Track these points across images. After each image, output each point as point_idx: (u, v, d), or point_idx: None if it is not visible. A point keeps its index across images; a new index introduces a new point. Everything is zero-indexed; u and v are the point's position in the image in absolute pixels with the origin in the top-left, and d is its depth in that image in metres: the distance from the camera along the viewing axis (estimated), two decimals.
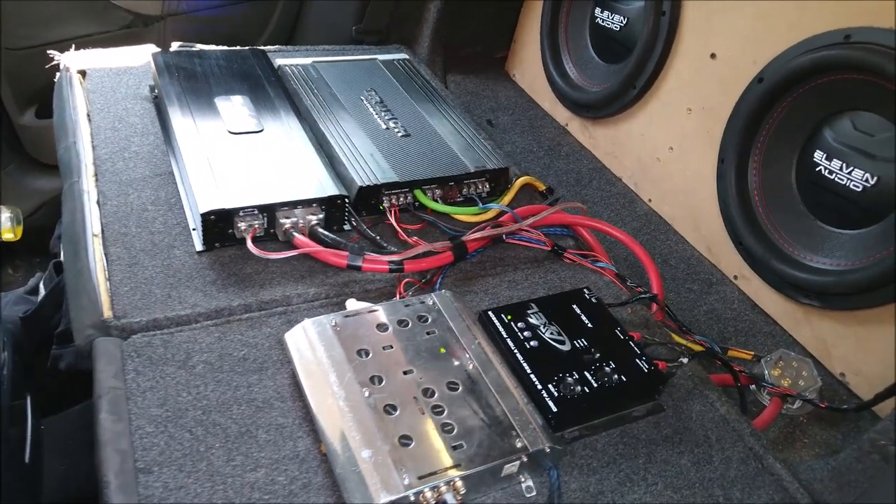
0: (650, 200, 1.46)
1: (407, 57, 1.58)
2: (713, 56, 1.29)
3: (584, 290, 1.01)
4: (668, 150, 1.40)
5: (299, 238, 1.00)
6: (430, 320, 0.88)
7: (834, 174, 1.08)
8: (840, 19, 1.06)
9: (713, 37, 1.29)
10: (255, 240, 0.99)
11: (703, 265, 1.31)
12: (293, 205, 1.02)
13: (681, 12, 1.36)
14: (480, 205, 1.19)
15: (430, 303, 0.91)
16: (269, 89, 1.32)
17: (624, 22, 1.53)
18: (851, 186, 1.05)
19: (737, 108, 1.21)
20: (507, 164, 1.24)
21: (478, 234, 1.09)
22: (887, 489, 0.60)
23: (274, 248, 0.99)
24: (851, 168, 1.06)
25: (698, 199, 1.32)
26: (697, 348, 1.06)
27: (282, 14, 1.88)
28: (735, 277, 1.26)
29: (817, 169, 1.10)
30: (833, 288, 1.04)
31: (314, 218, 1.04)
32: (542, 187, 1.31)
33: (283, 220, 1.01)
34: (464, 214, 1.18)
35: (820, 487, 0.82)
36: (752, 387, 1.06)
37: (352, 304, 0.90)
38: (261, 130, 1.17)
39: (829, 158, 1.09)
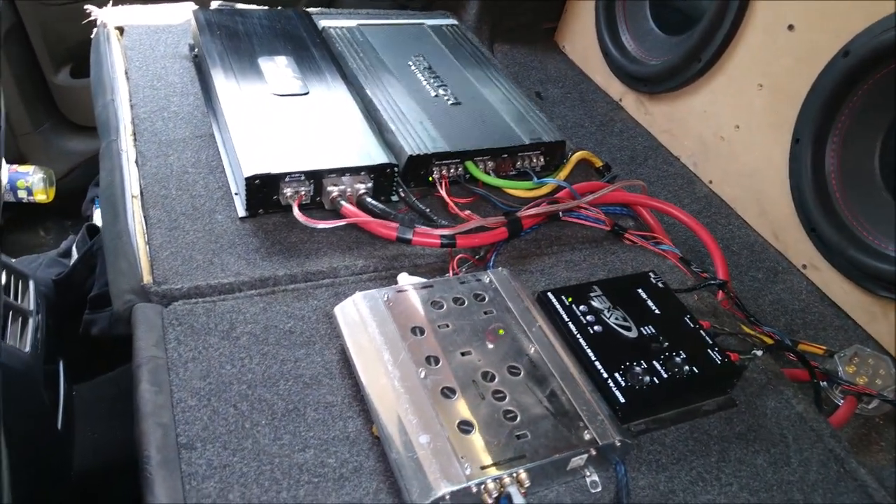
0: (711, 182, 1.38)
1: (455, 23, 1.50)
2: (791, 28, 1.20)
3: (650, 273, 0.94)
4: (735, 129, 1.32)
5: (347, 207, 0.95)
6: (486, 299, 0.82)
7: None
8: None
9: (791, 6, 1.20)
10: (300, 207, 0.94)
11: (768, 252, 1.23)
12: (341, 172, 0.96)
13: None
14: (535, 179, 1.12)
15: (487, 280, 0.85)
16: (314, 51, 1.26)
17: None
18: None
19: (816, 84, 1.12)
20: (563, 138, 1.17)
21: (534, 210, 1.02)
22: None
23: (320, 217, 0.94)
24: None
25: (766, 182, 1.24)
26: (767, 340, 0.99)
27: None
28: (804, 267, 1.18)
29: None
30: None
31: (362, 187, 0.98)
32: (598, 164, 1.24)
33: (330, 188, 0.96)
34: (518, 189, 1.11)
35: None
36: (824, 384, 0.99)
37: (404, 279, 0.84)
38: (306, 93, 1.12)
39: None
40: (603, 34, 1.63)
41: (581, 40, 1.75)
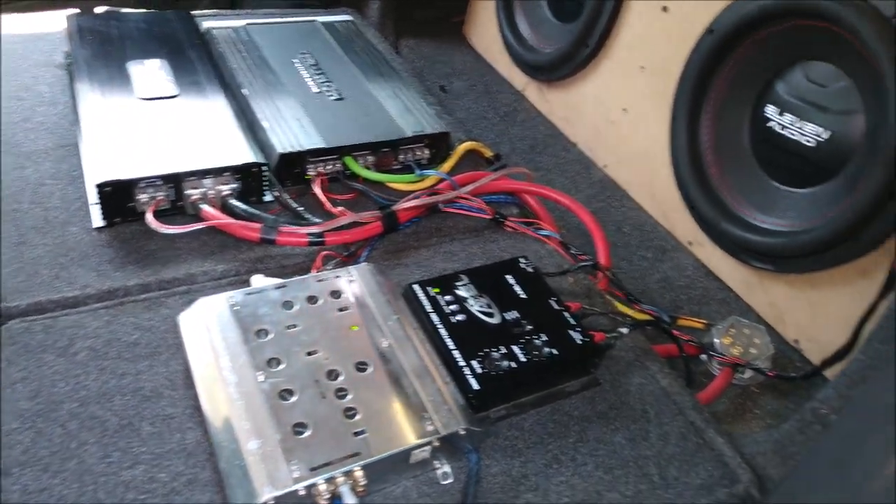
0: (606, 166, 1.39)
1: (350, 19, 1.49)
2: (665, 9, 1.21)
3: (521, 259, 0.94)
4: (622, 112, 1.33)
5: (206, 210, 0.92)
6: (343, 296, 0.80)
7: (786, 129, 1.01)
8: None
9: None
10: (159, 214, 0.91)
11: (657, 232, 1.24)
12: (202, 174, 0.94)
13: None
14: (417, 171, 1.11)
15: (347, 277, 0.83)
16: (191, 52, 1.23)
17: None
18: (804, 142, 0.99)
19: (688, 63, 1.13)
20: (447, 129, 1.16)
21: (411, 203, 1.02)
22: (822, 458, 0.54)
23: (183, 223, 0.91)
24: (804, 122, 0.99)
25: (654, 164, 1.25)
26: (645, 318, 1.00)
27: None
28: (689, 244, 1.19)
29: (769, 125, 1.03)
30: (785, 250, 0.97)
31: (227, 188, 0.96)
32: (488, 154, 1.23)
33: (190, 192, 0.94)
34: (399, 182, 1.10)
35: (763, 461, 0.76)
36: (704, 357, 1.00)
37: (257, 281, 0.82)
38: (175, 95, 1.09)
39: (781, 113, 1.02)
40: (503, 24, 1.63)
41: (486, 32, 1.75)
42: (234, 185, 0.96)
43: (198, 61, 1.20)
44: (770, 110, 1.03)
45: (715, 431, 0.78)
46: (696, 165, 1.12)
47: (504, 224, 1.07)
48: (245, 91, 1.15)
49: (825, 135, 0.96)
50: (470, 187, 1.07)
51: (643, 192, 1.30)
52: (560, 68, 1.47)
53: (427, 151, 1.15)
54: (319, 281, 0.82)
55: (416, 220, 1.04)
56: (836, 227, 0.90)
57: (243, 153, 0.98)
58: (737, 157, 1.08)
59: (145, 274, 0.85)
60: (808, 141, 0.98)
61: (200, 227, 0.90)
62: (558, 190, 1.17)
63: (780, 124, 1.02)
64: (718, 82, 1.09)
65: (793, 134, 1.00)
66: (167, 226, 0.89)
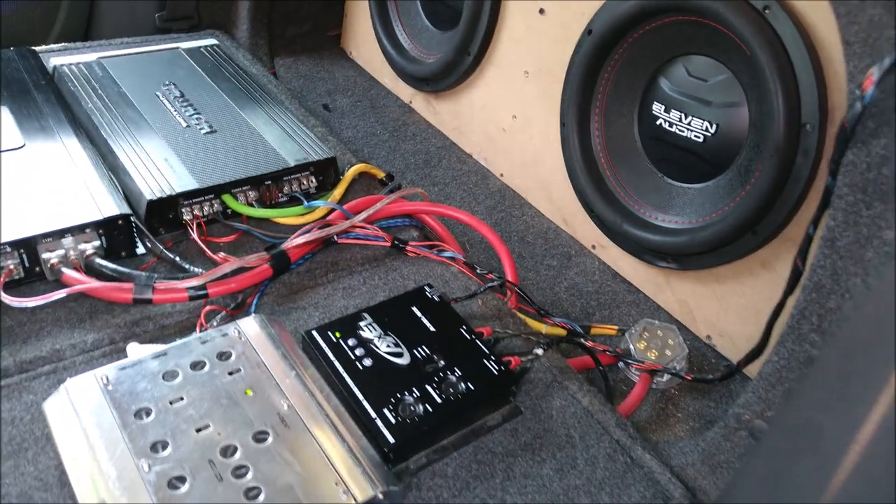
0: (502, 175, 1.36)
1: (216, 43, 1.39)
2: (542, 11, 1.20)
3: (426, 287, 0.89)
4: (512, 119, 1.30)
5: (68, 274, 0.82)
6: (233, 356, 0.72)
7: (674, 126, 1.01)
8: None
9: None
10: (12, 284, 0.80)
11: (560, 238, 1.22)
12: (59, 234, 0.83)
13: None
14: (306, 203, 1.04)
15: (235, 333, 0.75)
16: (37, 95, 1.10)
17: None
18: (692, 138, 0.99)
19: (570, 65, 1.12)
20: (333, 154, 1.10)
21: (301, 239, 0.94)
22: (756, 470, 0.52)
23: (42, 291, 0.80)
24: (690, 118, 0.99)
25: (548, 169, 1.23)
26: (558, 331, 0.98)
27: (71, 7, 1.62)
28: (593, 247, 1.18)
29: (658, 122, 1.03)
30: (686, 248, 0.97)
31: (90, 247, 0.85)
32: (380, 175, 1.17)
33: (47, 255, 0.82)
34: (287, 217, 1.02)
35: (693, 472, 0.75)
36: (621, 364, 0.98)
37: (133, 351, 0.73)
38: (21, 147, 0.97)
39: (667, 110, 1.02)
40: (380, 35, 1.57)
41: (365, 44, 1.69)
42: (98, 243, 0.86)
43: (46, 104, 1.08)
44: (657, 108, 1.03)
45: (642, 448, 0.75)
46: (591, 169, 1.11)
47: (405, 249, 1.01)
48: (103, 132, 1.04)
49: (711, 129, 0.97)
50: (364, 214, 1.01)
51: (541, 198, 1.28)
52: (445, 78, 1.43)
53: (314, 180, 1.08)
54: (203, 343, 0.73)
55: (310, 256, 0.97)
56: (733, 222, 0.90)
57: (105, 205, 0.88)
58: (630, 158, 1.08)
59: (2, 356, 0.73)
60: (697, 136, 0.98)
61: (63, 294, 0.79)
62: (456, 207, 1.14)
63: (667, 121, 1.02)
64: (603, 83, 1.08)
65: (681, 130, 1.00)
66: (21, 298, 0.77)
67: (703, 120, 0.98)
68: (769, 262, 0.91)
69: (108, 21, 1.66)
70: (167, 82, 1.21)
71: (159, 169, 0.98)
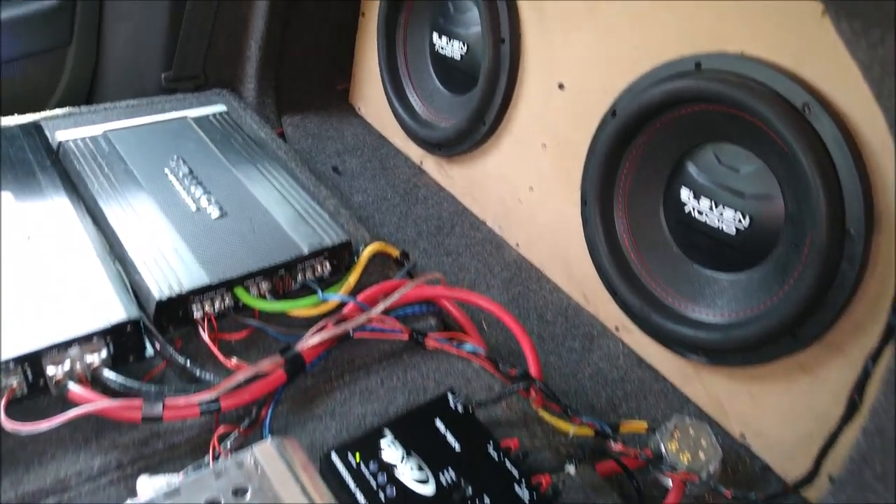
0: (518, 245, 1.32)
1: (224, 110, 1.35)
2: (561, 86, 1.16)
3: (449, 394, 0.85)
4: (529, 191, 1.27)
5: (75, 391, 0.77)
6: (249, 493, 0.68)
7: (704, 215, 0.97)
8: (689, 44, 0.95)
9: (559, 65, 1.16)
10: (13, 402, 0.75)
11: (581, 316, 1.18)
12: (63, 346, 0.79)
13: (522, 39, 1.22)
14: (321, 294, 1.00)
15: (250, 462, 0.71)
16: (42, 177, 1.07)
17: (464, 50, 1.39)
18: (724, 229, 0.95)
19: (593, 144, 1.09)
20: (347, 236, 1.05)
21: (316, 339, 0.90)
22: None
23: (46, 412, 0.75)
24: (721, 207, 0.95)
25: (567, 243, 1.19)
26: (586, 432, 0.93)
27: (75, 68, 1.59)
28: (616, 329, 1.14)
29: (686, 210, 0.99)
30: (719, 345, 0.93)
31: (97, 357, 0.81)
32: (395, 254, 1.13)
33: (52, 369, 0.78)
34: (301, 308, 0.98)
35: None
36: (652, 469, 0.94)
37: (144, 487, 0.68)
38: (24, 239, 0.93)
39: (696, 196, 0.98)
40: (391, 96, 1.54)
41: (375, 101, 1.66)
42: (106, 352, 0.81)
43: (50, 187, 1.04)
44: (685, 194, 1.00)
45: None
46: (615, 251, 1.07)
47: (424, 343, 0.97)
48: (110, 220, 1.00)
49: (745, 221, 0.93)
50: (381, 307, 0.97)
51: (560, 272, 1.24)
52: (458, 145, 1.40)
53: (329, 265, 1.04)
54: (218, 476, 0.69)
55: (325, 354, 0.93)
56: (771, 323, 0.86)
57: (113, 308, 0.84)
58: (657, 243, 1.04)
59: (3, 488, 0.69)
60: (729, 228, 0.95)
61: (69, 418, 0.74)
62: (472, 279, 1.10)
63: (697, 209, 0.98)
64: (627, 164, 1.05)
65: (712, 221, 0.96)
66: (26, 424, 0.73)
67: (736, 210, 0.94)
68: (809, 366, 0.87)
69: (113, 81, 1.63)
70: (175, 157, 1.17)
71: (168, 261, 0.94)
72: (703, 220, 0.97)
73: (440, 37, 1.44)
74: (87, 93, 1.65)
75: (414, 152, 1.56)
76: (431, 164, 1.52)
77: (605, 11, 1.07)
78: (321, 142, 1.64)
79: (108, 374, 0.80)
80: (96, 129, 1.22)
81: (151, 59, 1.60)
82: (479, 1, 1.26)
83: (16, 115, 1.32)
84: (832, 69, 0.81)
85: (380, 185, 1.52)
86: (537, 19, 1.19)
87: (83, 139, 1.19)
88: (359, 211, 1.43)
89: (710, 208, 0.96)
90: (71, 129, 1.22)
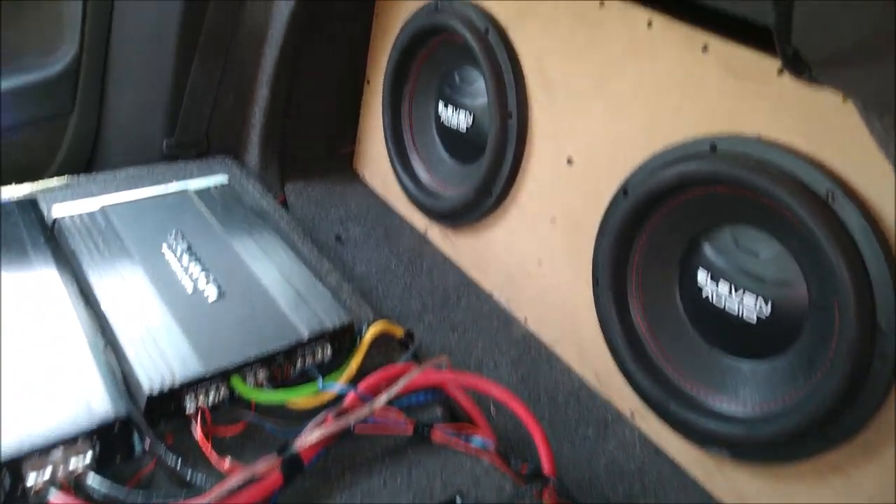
0: (526, 320, 1.28)
1: (225, 181, 1.33)
2: (570, 161, 1.14)
3: (457, 498, 0.79)
4: (538, 265, 1.23)
5: (57, 502, 0.72)
6: None
7: (723, 300, 0.93)
8: (702, 125, 0.93)
9: (567, 140, 1.14)
10: None
11: (595, 400, 1.13)
12: (44, 450, 0.74)
13: (529, 113, 1.20)
14: (321, 382, 0.95)
15: None
16: (35, 257, 1.03)
17: (471, 120, 1.37)
18: (744, 316, 0.91)
19: (604, 222, 1.05)
20: (349, 318, 1.01)
21: (316, 435, 0.85)
22: None
23: None
24: (740, 292, 0.91)
25: (578, 322, 1.15)
26: None
27: (76, 135, 1.58)
28: (632, 415, 1.08)
29: (704, 294, 0.95)
30: (743, 440, 0.88)
31: (80, 461, 0.75)
32: (399, 333, 1.09)
33: (32, 476, 0.73)
34: (299, 398, 0.93)
35: None
36: None
37: None
38: (11, 326, 0.88)
39: (714, 279, 0.94)
40: (395, 165, 1.52)
41: (380, 168, 1.64)
42: (92, 454, 0.76)
43: (43, 267, 1.01)
44: (702, 276, 0.96)
45: None
46: (629, 334, 1.02)
47: (430, 436, 0.92)
48: (102, 303, 0.96)
49: (767, 308, 0.89)
50: (385, 398, 0.92)
51: (572, 351, 1.19)
52: (464, 215, 1.37)
53: (329, 349, 1.00)
54: None
55: (324, 452, 0.87)
56: (799, 420, 0.81)
57: (102, 404, 0.79)
58: (674, 326, 1.00)
59: None
60: (749, 315, 0.90)
61: None
62: (478, 358, 1.06)
63: (715, 294, 0.94)
64: (640, 245, 1.01)
65: (731, 306, 0.92)
66: None
67: (756, 296, 0.90)
68: (842, 467, 0.81)
69: (114, 147, 1.61)
70: (175, 232, 1.14)
71: (161, 348, 0.90)
72: (722, 306, 0.93)
73: (446, 106, 1.43)
74: (87, 159, 1.63)
75: (419, 221, 1.53)
76: (437, 234, 1.49)
77: (614, 88, 1.05)
78: (324, 209, 1.61)
79: (93, 480, 0.75)
80: (94, 204, 1.19)
81: (154, 125, 1.59)
82: (485, 74, 1.24)
83: (13, 183, 1.30)
84: (855, 154, 0.78)
85: (384, 254, 1.48)
86: (545, 94, 1.17)
87: (80, 215, 1.16)
88: (362, 282, 1.39)
89: (730, 293, 0.92)
90: (68, 204, 1.19)
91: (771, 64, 0.85)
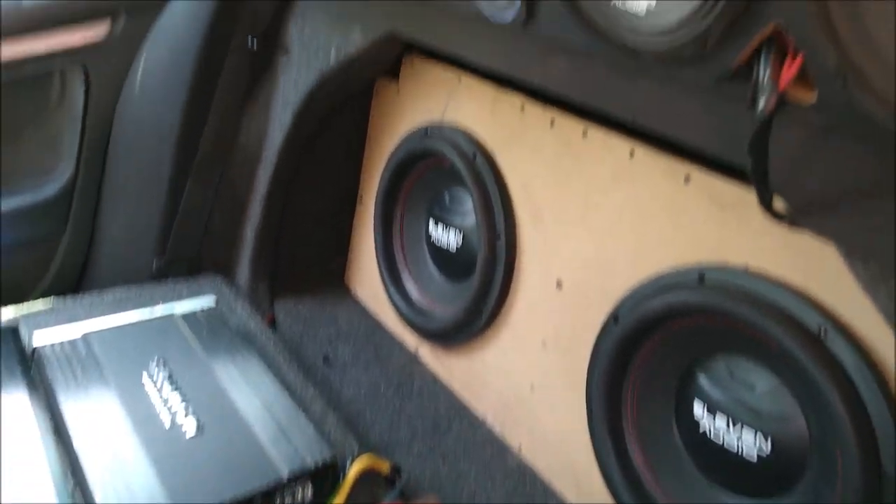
0: (521, 448, 1.23)
1: (213, 304, 1.32)
2: (559, 284, 1.13)
3: None
4: (530, 389, 1.20)
5: None
6: None
7: (721, 436, 0.89)
8: (690, 253, 0.92)
9: (556, 262, 1.14)
10: None
11: None
12: None
13: (517, 235, 1.21)
14: None
15: None
16: (10, 389, 1.00)
17: (461, 240, 1.37)
18: (743, 454, 0.87)
19: (596, 350, 1.03)
20: (332, 454, 0.97)
21: None
22: None
23: None
24: (738, 427, 0.88)
25: (573, 451, 1.10)
26: None
27: (66, 255, 1.58)
28: None
29: (702, 429, 0.92)
30: None
31: None
32: (385, 469, 1.04)
33: None
34: None
35: None
36: None
37: None
38: None
39: (711, 412, 0.91)
40: (386, 281, 1.51)
41: (370, 283, 1.63)
42: None
43: (19, 400, 0.98)
44: (699, 409, 0.92)
45: None
46: (626, 469, 0.98)
47: None
48: (74, 442, 0.92)
49: (766, 446, 0.85)
50: None
51: (568, 483, 1.13)
52: (455, 335, 1.35)
53: (310, 488, 0.95)
54: None
55: None
56: None
57: None
58: (672, 461, 0.95)
59: None
60: (749, 452, 0.86)
61: None
62: (471, 492, 1.00)
63: (713, 428, 0.90)
64: (633, 375, 0.98)
65: (730, 443, 0.88)
66: None
67: (755, 431, 0.86)
68: None
69: (104, 267, 1.61)
70: (157, 359, 1.11)
71: (132, 490, 0.85)
72: (721, 442, 0.89)
73: (436, 225, 1.44)
74: (76, 279, 1.63)
75: (409, 340, 1.51)
76: (427, 353, 1.46)
77: (601, 214, 1.06)
78: (313, 328, 1.59)
79: None
80: (76, 331, 1.17)
81: (145, 245, 1.59)
82: (473, 197, 1.26)
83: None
84: (846, 288, 0.76)
85: (373, 375, 1.45)
86: (532, 217, 1.18)
87: (61, 343, 1.13)
88: (349, 407, 1.35)
89: (728, 427, 0.89)
90: (49, 330, 1.17)
91: (754, 196, 0.86)
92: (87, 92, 1.46)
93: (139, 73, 1.46)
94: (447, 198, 1.43)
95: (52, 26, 1.37)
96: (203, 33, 1.41)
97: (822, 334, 0.76)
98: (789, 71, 0.59)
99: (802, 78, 0.59)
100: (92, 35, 1.42)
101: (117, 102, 1.50)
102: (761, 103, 0.60)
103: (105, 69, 1.46)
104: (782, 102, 0.59)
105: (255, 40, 1.47)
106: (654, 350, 0.97)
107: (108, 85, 1.48)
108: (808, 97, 0.59)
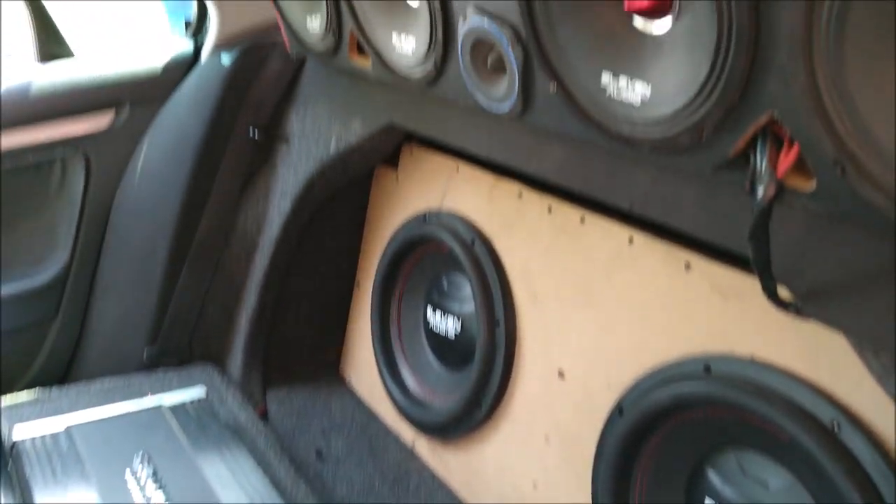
0: None
1: (203, 395, 1.28)
2: (561, 374, 1.10)
3: None
4: (533, 488, 1.14)
5: None
6: None
7: None
8: (695, 343, 0.90)
9: (558, 351, 1.11)
10: None
11: None
12: None
13: (517, 322, 1.18)
14: None
15: None
16: None
17: (459, 328, 1.35)
18: None
19: (601, 444, 0.99)
20: None
21: None
22: None
23: None
24: None
25: None
26: None
27: (56, 342, 1.55)
28: None
29: None
30: None
31: None
32: None
33: None
34: None
35: None
36: None
37: None
38: None
39: None
40: (382, 370, 1.47)
41: (366, 373, 1.59)
42: None
43: None
44: None
45: None
46: None
47: None
48: None
49: None
50: None
51: None
52: (453, 428, 1.30)
53: None
54: None
55: None
56: None
57: None
58: None
59: None
60: None
61: None
62: None
63: None
64: (641, 471, 0.94)
65: None
66: None
67: None
68: None
69: (94, 355, 1.57)
70: (141, 454, 1.07)
71: None
72: None
73: (434, 311, 1.41)
74: (65, 367, 1.59)
75: (406, 433, 1.45)
76: (424, 447, 1.40)
77: (602, 300, 1.04)
78: (306, 419, 1.53)
79: None
80: (59, 424, 1.13)
81: (137, 333, 1.56)
82: (472, 283, 1.24)
83: None
84: (857, 379, 0.74)
85: (367, 471, 1.39)
86: (532, 303, 1.16)
87: (42, 437, 1.09)
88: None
89: None
90: (31, 423, 1.13)
91: (757, 284, 0.84)
92: (87, 180, 1.47)
93: (140, 161, 1.48)
94: (445, 284, 1.42)
95: (56, 116, 1.39)
96: (206, 123, 1.44)
97: (836, 428, 0.73)
98: (787, 159, 0.58)
99: (801, 165, 0.59)
100: (95, 125, 1.44)
101: (116, 190, 1.50)
102: (760, 191, 0.59)
103: (107, 158, 1.48)
104: (781, 190, 0.59)
105: (256, 130, 1.49)
106: (662, 444, 0.92)
107: (109, 173, 1.49)
108: (808, 184, 0.59)
